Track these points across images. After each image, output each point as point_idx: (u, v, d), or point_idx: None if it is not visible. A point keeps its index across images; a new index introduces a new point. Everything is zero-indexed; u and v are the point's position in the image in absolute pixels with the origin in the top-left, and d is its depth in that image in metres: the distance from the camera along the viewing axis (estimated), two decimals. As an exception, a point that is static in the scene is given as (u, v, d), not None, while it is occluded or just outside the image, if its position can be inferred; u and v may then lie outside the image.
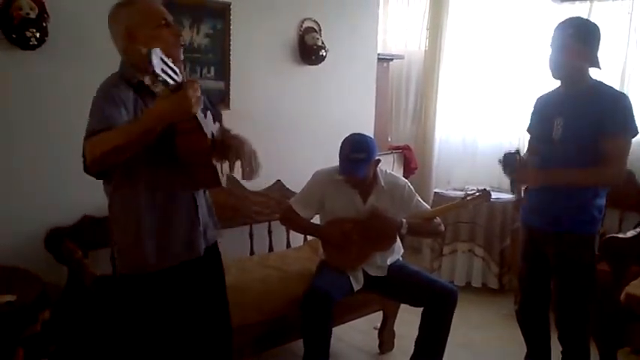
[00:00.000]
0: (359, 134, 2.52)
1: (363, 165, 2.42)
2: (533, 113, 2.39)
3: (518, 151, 2.26)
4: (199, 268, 1.79)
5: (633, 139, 2.11)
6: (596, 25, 2.19)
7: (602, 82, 2.17)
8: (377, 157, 2.50)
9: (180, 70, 1.42)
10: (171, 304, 1.74)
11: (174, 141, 1.58)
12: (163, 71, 1.33)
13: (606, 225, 3.44)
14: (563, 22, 2.17)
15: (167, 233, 1.70)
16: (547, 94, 2.34)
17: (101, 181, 1.70)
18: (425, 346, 2.47)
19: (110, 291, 1.98)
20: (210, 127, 1.68)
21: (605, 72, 3.37)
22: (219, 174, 1.71)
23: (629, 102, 2.11)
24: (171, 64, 1.37)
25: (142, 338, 1.77)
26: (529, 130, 2.42)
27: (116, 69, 1.69)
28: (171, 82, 1.37)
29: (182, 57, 1.70)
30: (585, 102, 2.12)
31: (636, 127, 2.10)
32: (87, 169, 1.57)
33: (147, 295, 1.74)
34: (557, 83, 2.25)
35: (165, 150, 1.60)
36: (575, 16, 2.23)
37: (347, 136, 2.51)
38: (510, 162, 2.24)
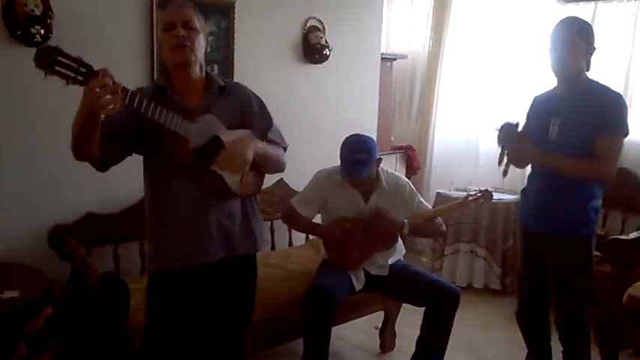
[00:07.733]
0: (358, 135, 2.51)
1: (365, 165, 2.42)
2: (529, 112, 2.38)
3: (517, 124, 2.22)
4: (214, 276, 1.76)
5: (634, 140, 2.12)
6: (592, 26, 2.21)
7: (597, 82, 2.17)
8: (378, 157, 2.50)
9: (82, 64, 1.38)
10: (175, 307, 1.75)
11: (157, 141, 1.63)
12: (56, 70, 1.36)
13: (609, 227, 3.44)
14: (565, 21, 2.16)
15: (162, 235, 1.72)
16: (544, 93, 2.34)
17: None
18: (426, 345, 2.47)
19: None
20: (206, 132, 1.65)
21: (609, 73, 3.40)
22: (227, 182, 1.68)
23: (624, 102, 2.14)
24: (68, 61, 1.37)
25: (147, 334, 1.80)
26: (525, 129, 2.40)
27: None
28: (73, 77, 1.37)
29: (191, 57, 1.67)
30: (582, 102, 2.12)
31: (628, 127, 2.12)
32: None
33: (152, 294, 1.79)
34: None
35: (156, 151, 1.66)
36: (571, 16, 2.21)
37: (346, 137, 2.50)
38: (508, 132, 2.18)
